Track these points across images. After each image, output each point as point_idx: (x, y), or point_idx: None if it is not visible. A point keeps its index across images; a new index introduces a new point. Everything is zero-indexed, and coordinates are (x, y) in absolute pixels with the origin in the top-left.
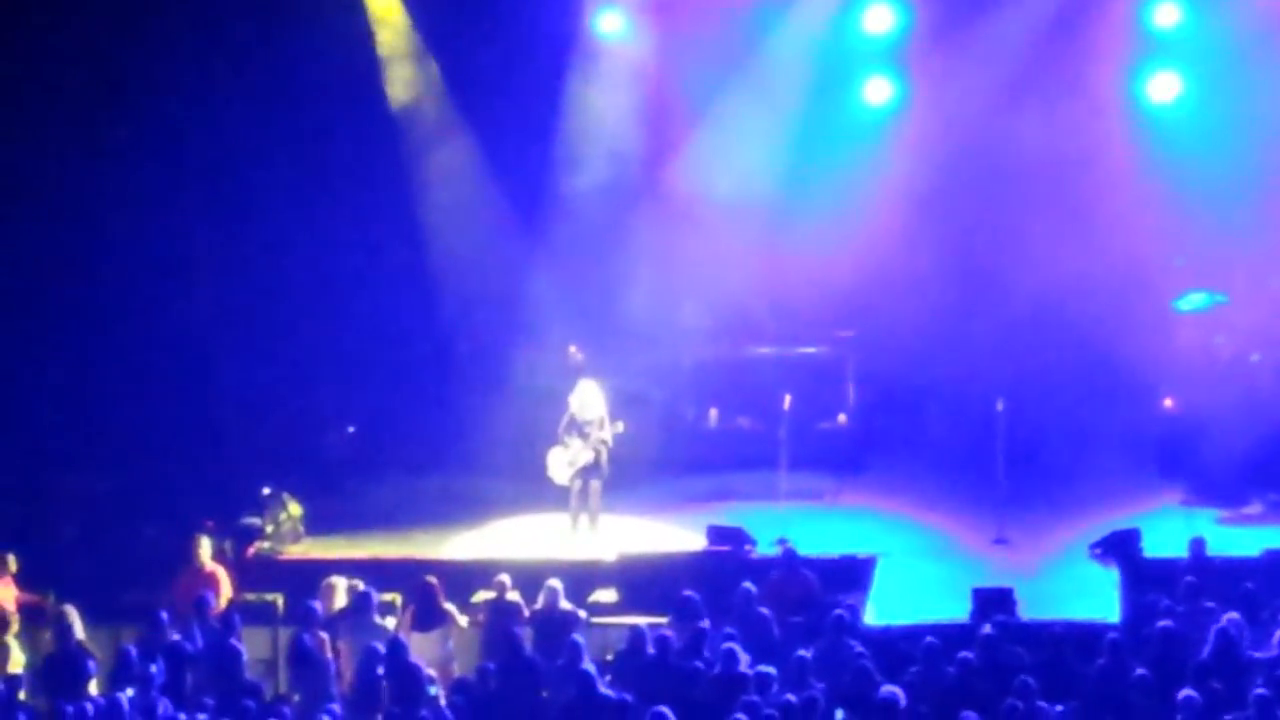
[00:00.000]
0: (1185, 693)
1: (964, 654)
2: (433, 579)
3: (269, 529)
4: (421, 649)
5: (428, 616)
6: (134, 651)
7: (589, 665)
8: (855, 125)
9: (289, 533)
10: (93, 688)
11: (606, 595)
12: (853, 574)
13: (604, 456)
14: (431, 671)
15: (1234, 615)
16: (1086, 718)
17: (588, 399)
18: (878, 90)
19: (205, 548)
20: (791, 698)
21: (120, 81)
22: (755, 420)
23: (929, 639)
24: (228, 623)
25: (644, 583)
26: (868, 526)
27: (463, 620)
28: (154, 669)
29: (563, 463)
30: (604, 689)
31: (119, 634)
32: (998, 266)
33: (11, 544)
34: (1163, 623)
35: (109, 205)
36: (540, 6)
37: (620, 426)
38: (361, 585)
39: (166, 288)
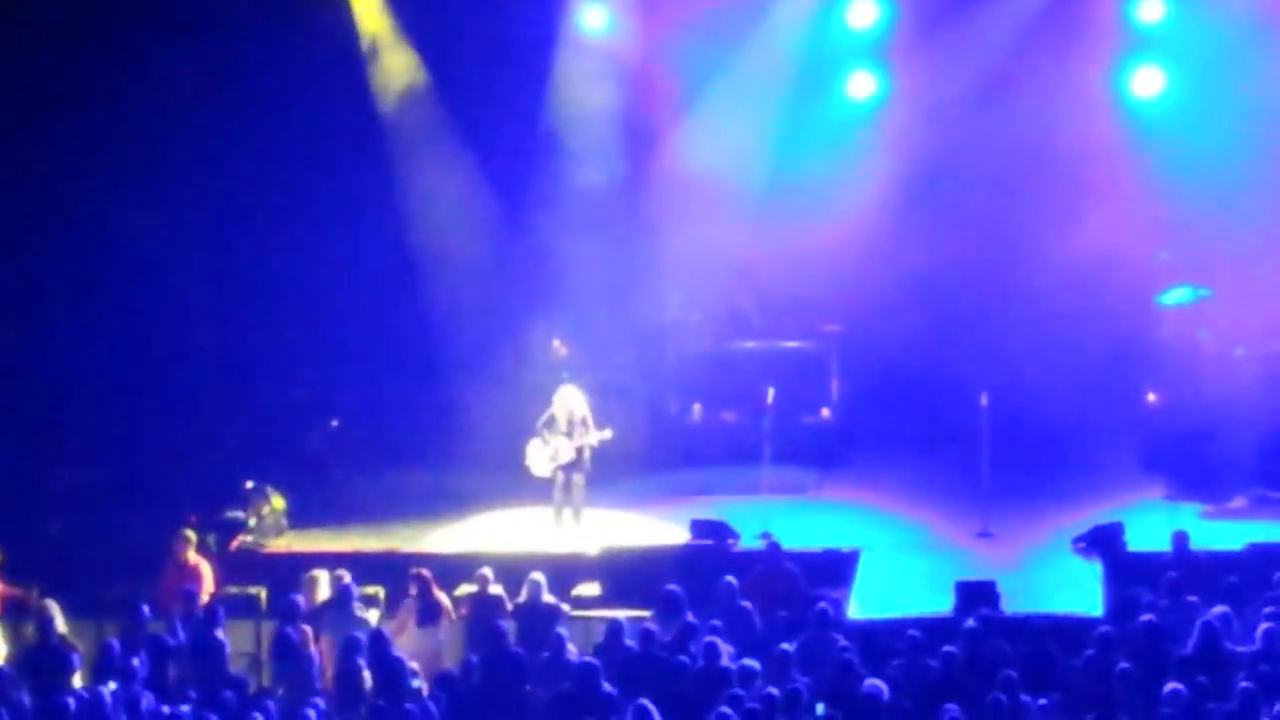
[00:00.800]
0: (1170, 686)
1: (947, 647)
2: (424, 571)
3: (252, 522)
4: (420, 642)
5: (429, 611)
6: (117, 645)
7: (590, 658)
8: (839, 120)
9: (272, 526)
10: (76, 681)
11: (589, 589)
12: (836, 567)
13: (586, 454)
14: (415, 665)
15: (1219, 609)
16: (1069, 711)
17: (571, 403)
18: (861, 85)
19: (189, 541)
20: (774, 691)
21: (109, 77)
22: (739, 414)
23: (912, 632)
24: (211, 616)
25: (627, 576)
26: (851, 520)
27: (454, 613)
28: (136, 662)
29: (543, 457)
30: (606, 685)
31: (102, 627)
32: (981, 261)
33: None
34: (1145, 616)
35: (96, 200)
36: (524, 2)
37: (608, 434)
38: (346, 577)
39: (150, 282)
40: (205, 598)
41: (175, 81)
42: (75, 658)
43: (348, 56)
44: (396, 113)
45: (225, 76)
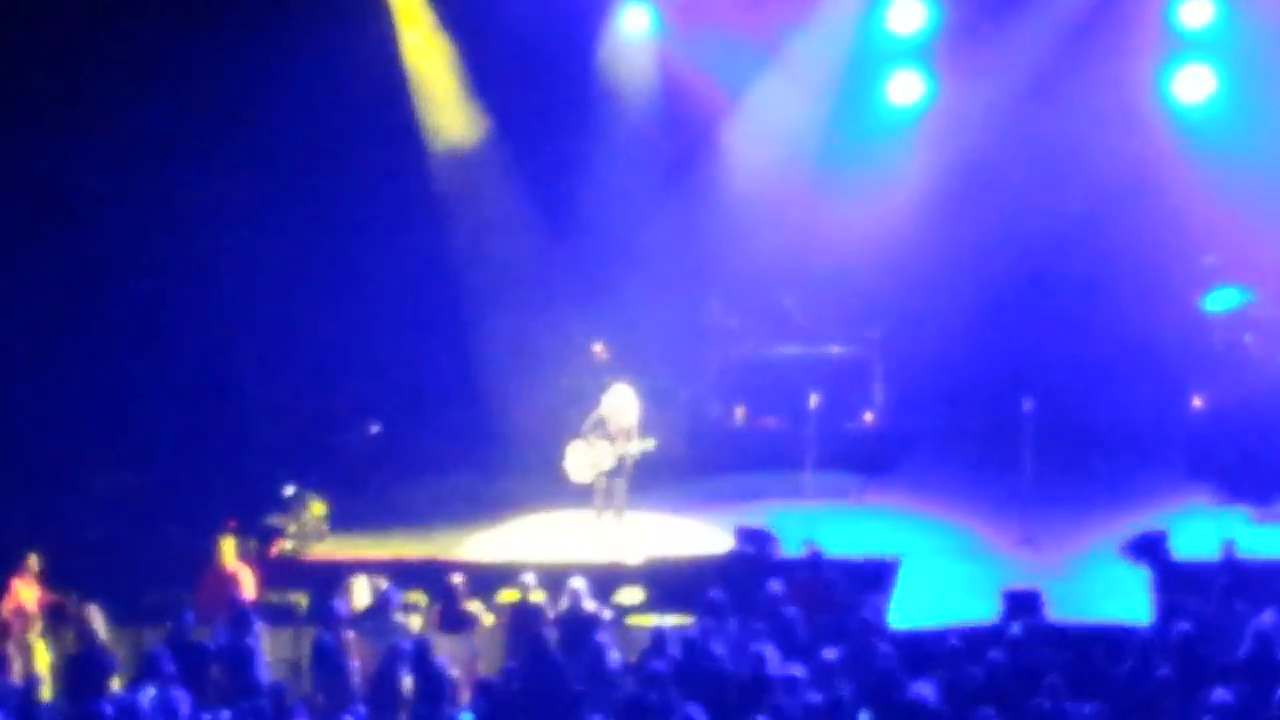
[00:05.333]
0: (1217, 693)
1: (992, 655)
2: (457, 579)
3: (292, 529)
4: (446, 649)
5: (451, 618)
6: (156, 651)
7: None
8: (883, 124)
9: (312, 532)
10: (115, 687)
11: (632, 595)
12: (879, 574)
13: (629, 461)
14: (455, 672)
15: (1270, 616)
16: (1115, 719)
17: (622, 404)
18: (906, 88)
19: (229, 547)
20: (817, 698)
21: (143, 86)
22: (782, 420)
23: (955, 640)
24: (244, 622)
25: (670, 583)
26: (894, 526)
27: (488, 619)
28: (174, 669)
29: (584, 462)
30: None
31: (141, 634)
32: (1026, 266)
33: (35, 544)
34: (1192, 624)
35: (132, 207)
36: (566, 3)
37: (651, 445)
38: (384, 584)
39: (190, 287)
40: (245, 604)
41: (212, 90)
42: (114, 663)
43: (390, 63)
44: (437, 116)
45: (263, 84)
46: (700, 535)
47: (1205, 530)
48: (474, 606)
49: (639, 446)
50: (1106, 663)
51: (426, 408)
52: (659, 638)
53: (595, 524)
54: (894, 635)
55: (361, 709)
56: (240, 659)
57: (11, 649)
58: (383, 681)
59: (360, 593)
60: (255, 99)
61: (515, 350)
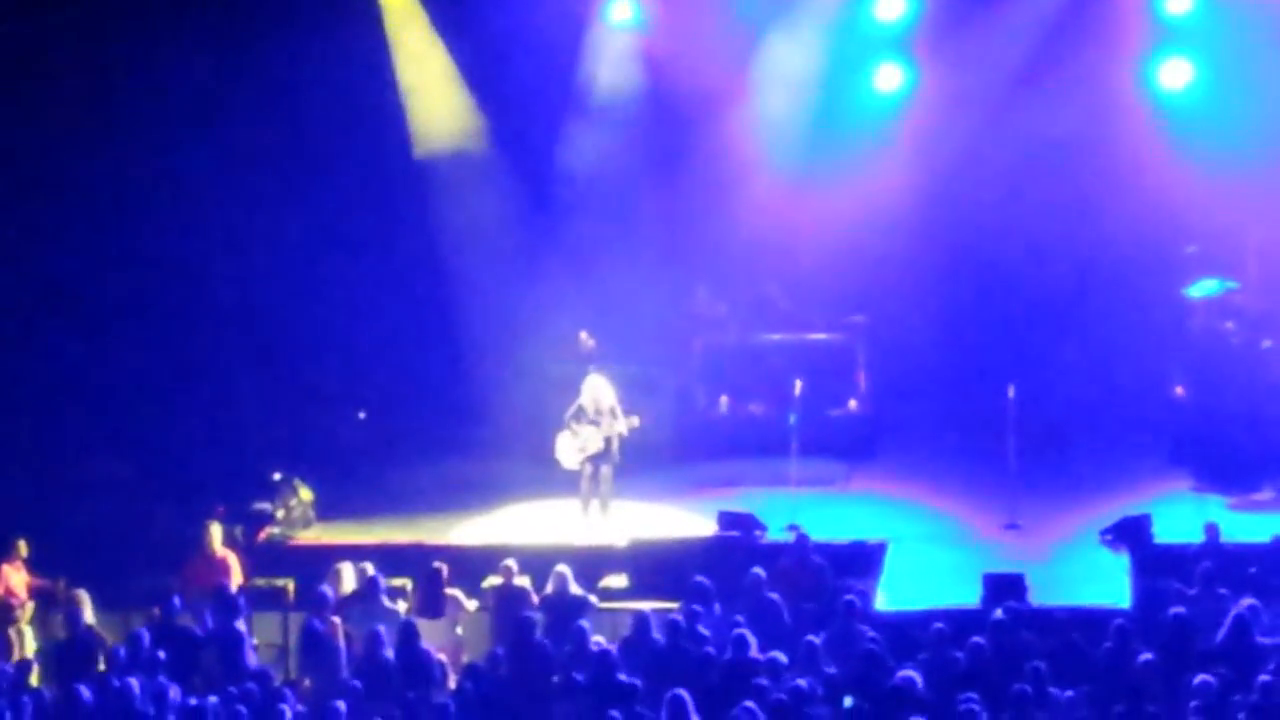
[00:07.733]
0: (1200, 677)
1: (975, 639)
2: (440, 565)
3: (280, 514)
4: (428, 635)
5: (430, 603)
6: (145, 636)
7: (610, 646)
8: (866, 112)
9: (300, 518)
10: (103, 672)
11: (617, 581)
12: (864, 559)
13: (615, 444)
14: (441, 656)
15: (1250, 601)
16: (1097, 703)
17: (599, 393)
18: (889, 77)
19: (216, 533)
20: (801, 682)
21: (143, 78)
22: (766, 406)
23: (939, 624)
24: (233, 606)
25: (655, 568)
26: (879, 512)
27: (470, 605)
28: (162, 654)
29: (572, 449)
30: (621, 675)
31: (130, 619)
32: (1009, 253)
33: (23, 529)
34: (1175, 608)
35: (126, 195)
36: None
37: (636, 421)
38: (371, 569)
39: (180, 274)
40: (233, 589)
41: (209, 83)
42: (103, 649)
43: (376, 52)
44: (422, 105)
45: (256, 80)
46: (685, 521)
47: (1185, 516)
48: (456, 592)
49: (625, 424)
50: (1089, 647)
51: (414, 394)
52: (643, 622)
53: (580, 511)
54: (878, 619)
55: (349, 692)
56: (228, 644)
57: (12, 634)
58: (370, 666)
59: (347, 578)
60: (246, 92)
61: (503, 338)
